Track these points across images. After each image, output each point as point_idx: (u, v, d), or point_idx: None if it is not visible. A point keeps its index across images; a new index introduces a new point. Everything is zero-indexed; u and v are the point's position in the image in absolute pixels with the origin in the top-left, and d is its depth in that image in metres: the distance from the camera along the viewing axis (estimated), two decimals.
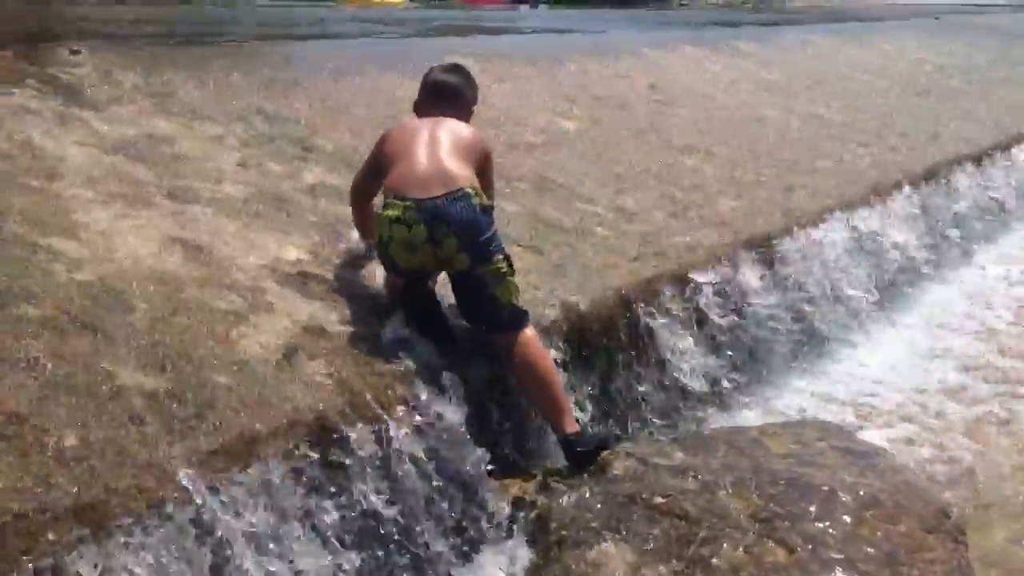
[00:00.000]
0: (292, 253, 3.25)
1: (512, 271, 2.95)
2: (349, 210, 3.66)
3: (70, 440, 2.07)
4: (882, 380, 4.26)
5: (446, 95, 3.28)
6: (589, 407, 3.20)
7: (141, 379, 2.35)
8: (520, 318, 2.94)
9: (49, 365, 2.28)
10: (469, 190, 2.86)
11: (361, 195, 3.27)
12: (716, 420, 3.54)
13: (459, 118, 3.17)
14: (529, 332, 2.93)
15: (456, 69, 3.43)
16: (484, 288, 2.89)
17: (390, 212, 2.86)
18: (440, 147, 2.97)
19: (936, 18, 15.35)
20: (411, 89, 5.38)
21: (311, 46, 6.88)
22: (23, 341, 2.34)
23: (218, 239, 3.19)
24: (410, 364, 2.74)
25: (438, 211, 2.80)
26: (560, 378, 2.94)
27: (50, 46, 4.84)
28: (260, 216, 3.45)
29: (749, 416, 3.67)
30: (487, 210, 2.91)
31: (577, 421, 2.90)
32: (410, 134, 3.06)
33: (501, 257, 2.91)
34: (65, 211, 3.08)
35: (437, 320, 2.99)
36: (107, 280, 2.74)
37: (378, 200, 3.08)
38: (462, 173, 2.90)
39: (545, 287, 3.42)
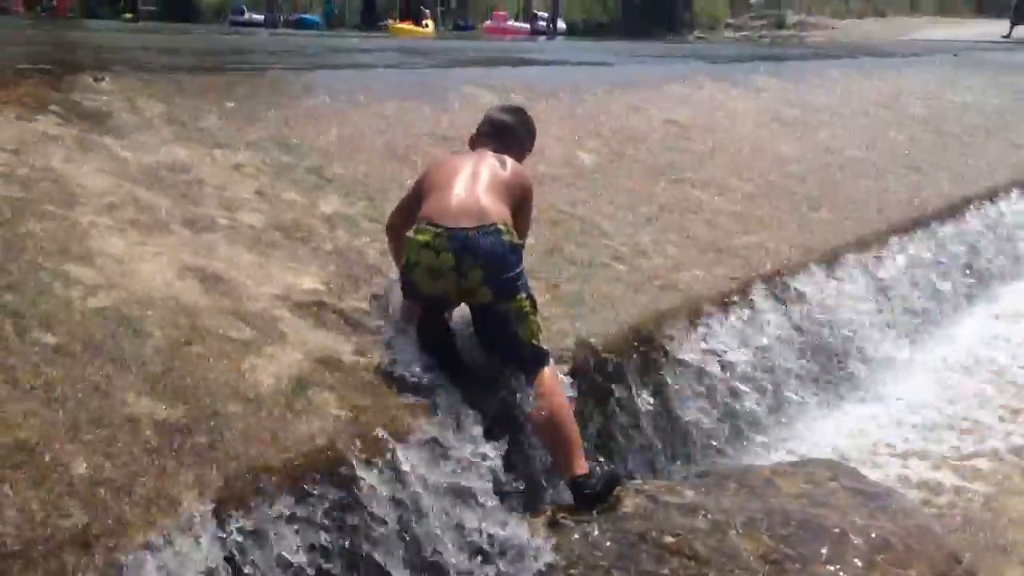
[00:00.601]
0: (307, 283, 3.26)
1: (535, 310, 2.98)
2: (364, 240, 3.70)
3: (81, 469, 2.07)
4: (896, 419, 4.23)
5: (501, 134, 3.35)
6: (599, 442, 3.19)
7: (154, 408, 2.35)
8: (540, 357, 2.96)
9: (63, 392, 2.30)
10: (501, 226, 2.91)
11: (400, 223, 3.29)
12: (728, 458, 3.52)
13: (513, 157, 3.22)
14: (548, 371, 2.94)
15: (515, 111, 3.52)
16: (506, 325, 2.92)
17: (420, 237, 2.91)
18: (478, 182, 3.03)
19: (955, 55, 15.35)
20: (430, 120, 5.50)
21: (332, 75, 6.94)
22: (38, 367, 2.36)
23: (234, 268, 3.21)
24: (423, 396, 2.75)
25: (468, 242, 2.84)
26: (573, 418, 2.93)
27: (75, 73, 4.90)
28: (276, 245, 3.47)
29: (762, 454, 3.64)
30: (516, 248, 2.95)
31: (587, 457, 2.89)
32: (452, 167, 3.13)
33: (524, 296, 2.94)
34: (83, 238, 3.11)
35: (452, 351, 3.00)
36: (122, 307, 2.75)
37: None
38: (496, 209, 2.95)
39: (561, 321, 3.42)
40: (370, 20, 26.16)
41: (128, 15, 23.93)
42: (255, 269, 3.25)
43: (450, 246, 2.84)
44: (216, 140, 4.31)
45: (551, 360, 3.00)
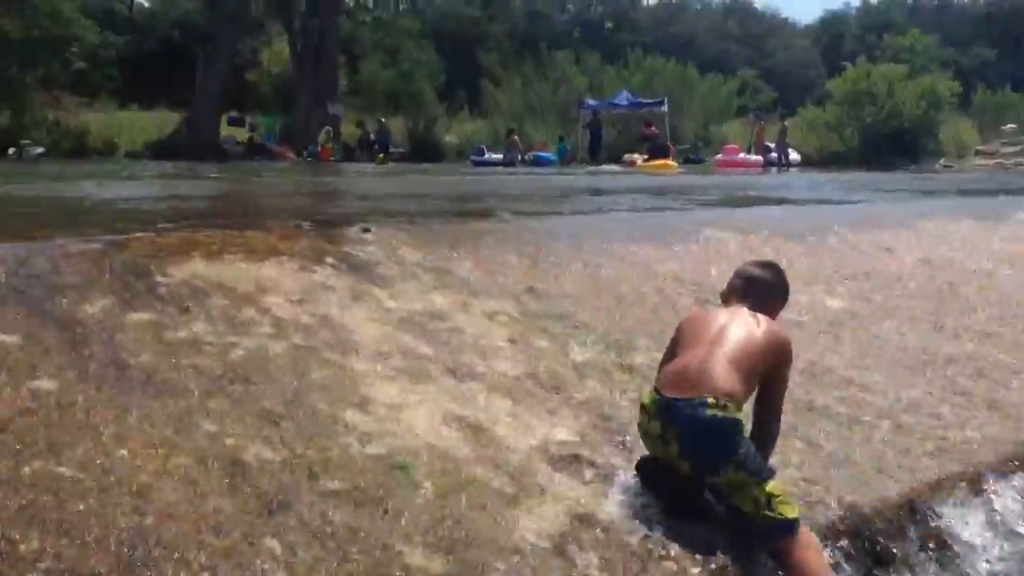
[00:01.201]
0: (562, 434, 3.29)
1: (759, 479, 2.80)
2: (615, 391, 3.72)
3: None
4: None
5: (755, 290, 3.31)
6: None
7: (426, 560, 2.44)
8: (780, 529, 2.76)
9: (346, 539, 2.42)
10: (710, 399, 2.83)
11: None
12: None
13: (765, 314, 3.18)
14: (799, 542, 2.75)
15: (769, 266, 3.51)
16: (724, 497, 2.87)
17: (643, 399, 3.02)
18: (722, 344, 2.99)
19: None
20: (673, 265, 5.52)
21: (573, 220, 7.17)
22: (324, 514, 2.51)
23: (492, 417, 3.31)
24: (683, 559, 2.66)
25: (672, 412, 2.87)
26: None
27: (344, 226, 5.35)
28: (530, 394, 3.55)
29: None
30: (725, 422, 2.83)
31: None
32: (702, 324, 3.14)
33: (734, 470, 2.80)
34: (357, 385, 3.32)
35: (700, 513, 2.91)
36: (394, 455, 2.89)
37: None
38: (722, 379, 2.88)
39: (821, 483, 3.24)
40: (596, 155, 27.08)
41: (380, 156, 26.11)
42: (512, 419, 3.33)
43: (659, 414, 2.89)
44: (470, 288, 4.52)
45: (800, 531, 2.78)
